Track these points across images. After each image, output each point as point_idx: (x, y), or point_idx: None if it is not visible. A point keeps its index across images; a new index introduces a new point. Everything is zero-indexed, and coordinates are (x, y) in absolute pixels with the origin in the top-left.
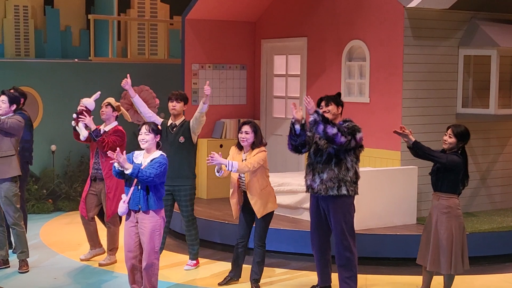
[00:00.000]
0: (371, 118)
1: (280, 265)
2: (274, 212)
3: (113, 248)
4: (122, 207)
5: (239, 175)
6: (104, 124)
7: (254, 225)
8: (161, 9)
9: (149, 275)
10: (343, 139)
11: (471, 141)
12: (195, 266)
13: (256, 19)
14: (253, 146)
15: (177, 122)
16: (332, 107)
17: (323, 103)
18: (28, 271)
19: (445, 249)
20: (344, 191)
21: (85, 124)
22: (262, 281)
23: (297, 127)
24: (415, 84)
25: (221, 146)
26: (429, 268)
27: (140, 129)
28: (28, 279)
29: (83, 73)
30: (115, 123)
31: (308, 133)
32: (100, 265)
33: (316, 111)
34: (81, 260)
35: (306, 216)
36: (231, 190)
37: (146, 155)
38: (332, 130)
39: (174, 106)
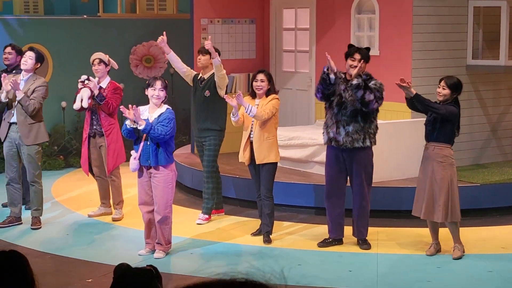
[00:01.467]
0: (381, 71)
1: (291, 218)
2: (284, 166)
3: (119, 201)
4: (133, 164)
5: (251, 124)
6: (97, 80)
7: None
8: None
9: (163, 228)
10: (376, 105)
11: (481, 92)
12: (206, 221)
13: None
14: (267, 94)
15: (206, 76)
16: (363, 64)
17: (356, 56)
18: (40, 227)
19: (441, 198)
20: (368, 143)
21: (89, 90)
22: (274, 234)
23: (332, 76)
24: (425, 37)
25: None
26: (423, 217)
27: (151, 84)
28: (41, 235)
29: (92, 29)
30: (108, 78)
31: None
32: (113, 219)
33: (359, 75)
34: (89, 216)
35: (316, 170)
36: (243, 141)
37: (152, 110)
38: (369, 97)
39: (199, 59)
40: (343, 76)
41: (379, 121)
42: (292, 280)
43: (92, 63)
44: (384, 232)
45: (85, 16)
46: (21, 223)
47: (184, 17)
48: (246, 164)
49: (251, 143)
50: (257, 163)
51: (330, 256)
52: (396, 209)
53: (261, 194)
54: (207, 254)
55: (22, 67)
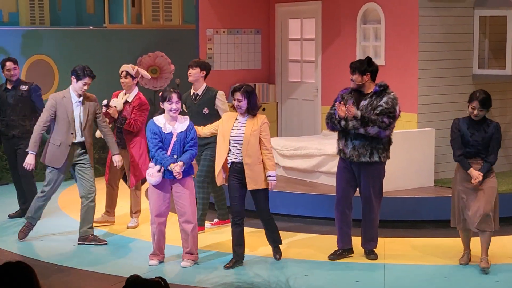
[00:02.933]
0: (387, 80)
1: (297, 228)
2: (291, 176)
3: (137, 211)
4: (156, 177)
5: (231, 142)
6: (124, 92)
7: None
8: None
9: (193, 237)
10: (387, 132)
11: None
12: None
13: None
14: (249, 111)
15: (199, 92)
16: (356, 77)
17: (350, 70)
18: (91, 244)
19: (491, 207)
20: (376, 158)
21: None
22: (291, 247)
23: (343, 123)
24: (431, 46)
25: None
26: (476, 227)
27: (167, 97)
28: (48, 246)
29: (98, 40)
30: (136, 90)
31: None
32: (128, 227)
33: (354, 117)
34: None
35: (322, 180)
36: (221, 162)
37: (172, 123)
38: (373, 130)
39: (189, 73)
40: (353, 88)
41: None
42: None
43: (120, 75)
44: (391, 243)
45: (91, 27)
46: (106, 243)
47: (190, 28)
48: (223, 183)
49: (234, 164)
50: (249, 188)
51: (337, 267)
52: (402, 219)
53: (261, 219)
54: (213, 264)
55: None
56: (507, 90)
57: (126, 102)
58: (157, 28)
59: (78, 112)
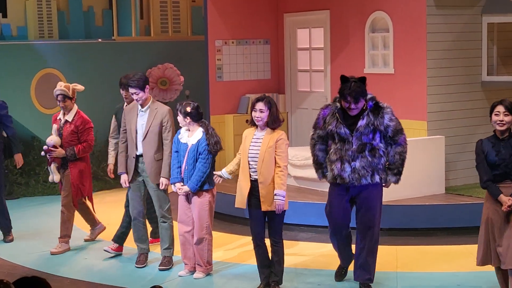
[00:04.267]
0: (396, 89)
1: (308, 238)
2: (302, 186)
3: (65, 235)
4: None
5: (249, 161)
6: (63, 113)
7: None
8: None
9: (199, 249)
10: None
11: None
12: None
13: None
14: (269, 124)
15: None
16: (360, 104)
17: (350, 99)
18: (170, 268)
19: None
20: (377, 179)
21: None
22: (290, 251)
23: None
24: (439, 54)
25: (247, 121)
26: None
27: (182, 110)
28: (59, 260)
29: (107, 53)
30: (75, 108)
31: (320, 132)
32: (52, 253)
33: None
34: (85, 240)
35: None
36: (243, 183)
37: (190, 133)
38: (402, 162)
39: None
40: (338, 106)
41: None
42: None
43: (57, 99)
44: (403, 251)
45: (100, 40)
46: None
47: (199, 39)
48: (242, 207)
49: (252, 182)
50: (263, 209)
51: (350, 275)
52: (414, 227)
53: (270, 240)
54: (227, 275)
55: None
56: None
57: (66, 122)
58: (166, 40)
59: (141, 123)
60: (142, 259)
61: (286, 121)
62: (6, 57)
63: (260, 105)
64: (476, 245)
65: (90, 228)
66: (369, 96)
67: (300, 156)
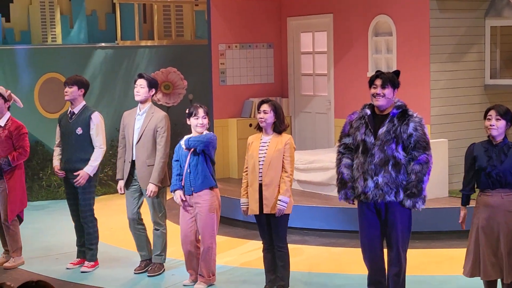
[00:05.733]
0: (399, 92)
1: (313, 241)
2: (306, 190)
3: (17, 248)
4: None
5: (259, 165)
6: None
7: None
8: None
9: (206, 259)
10: (430, 167)
11: None
12: (92, 268)
13: None
14: (275, 127)
15: (76, 110)
16: (388, 91)
17: (378, 82)
18: (160, 274)
19: None
20: (401, 197)
21: None
22: (295, 257)
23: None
24: (443, 57)
25: (250, 125)
26: (506, 280)
27: (194, 113)
28: (60, 265)
29: (111, 56)
30: (8, 114)
31: (347, 140)
32: (5, 268)
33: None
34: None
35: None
36: (253, 189)
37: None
38: (422, 184)
39: (66, 91)
40: (368, 112)
41: None
42: None
43: None
44: (407, 254)
45: (103, 44)
46: (163, 269)
47: (202, 43)
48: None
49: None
50: (265, 212)
51: (354, 279)
52: (417, 230)
53: (275, 245)
54: (232, 281)
55: (136, 98)
56: None
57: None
58: (169, 44)
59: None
60: (141, 265)
61: (289, 125)
62: (10, 62)
63: (264, 107)
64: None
65: (8, 253)
66: (398, 103)
67: (304, 160)
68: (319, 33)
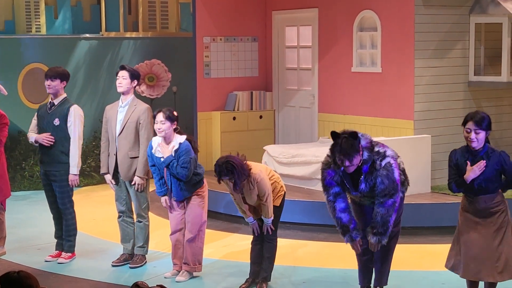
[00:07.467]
0: (383, 87)
1: (295, 235)
2: (288, 184)
3: (0, 238)
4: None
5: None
6: None
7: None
8: None
9: (192, 247)
10: (397, 203)
11: (484, 108)
12: (69, 259)
13: None
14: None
15: (56, 101)
16: (356, 160)
17: (342, 157)
18: (142, 265)
19: (503, 250)
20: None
21: None
22: (283, 255)
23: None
24: (427, 53)
25: (234, 118)
26: (501, 279)
27: (155, 116)
28: (41, 256)
29: (95, 48)
30: None
31: (335, 189)
32: None
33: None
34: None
35: (320, 187)
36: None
37: (165, 145)
38: (390, 218)
39: (49, 84)
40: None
41: (381, 138)
42: None
43: None
44: None
45: (87, 35)
46: (145, 261)
47: (187, 36)
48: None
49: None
50: (258, 217)
51: (334, 273)
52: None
53: (265, 237)
54: (219, 274)
55: (118, 90)
56: (503, 97)
57: None
58: (153, 36)
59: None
60: (120, 259)
61: (273, 119)
62: None
63: (160, 117)
64: None
65: None
66: (365, 157)
67: (287, 154)
68: (304, 28)
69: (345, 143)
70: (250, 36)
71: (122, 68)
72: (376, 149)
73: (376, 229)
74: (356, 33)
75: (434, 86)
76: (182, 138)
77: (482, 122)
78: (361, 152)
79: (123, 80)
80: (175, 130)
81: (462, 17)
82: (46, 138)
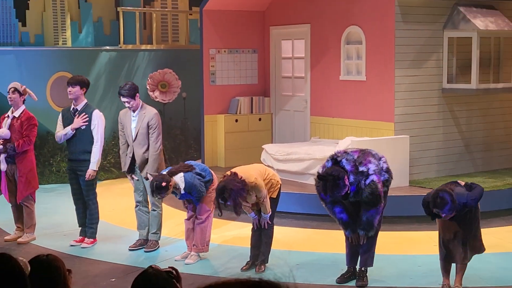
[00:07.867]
0: (367, 94)
1: (289, 223)
2: (283, 178)
3: (31, 225)
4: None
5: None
6: (11, 110)
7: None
8: (181, 1)
9: (201, 228)
10: (380, 207)
11: (456, 112)
12: (92, 244)
13: (265, 8)
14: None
15: (79, 107)
16: (344, 191)
17: (332, 195)
18: (155, 250)
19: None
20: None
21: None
22: (279, 240)
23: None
24: (406, 64)
25: (236, 121)
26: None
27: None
28: (66, 241)
29: (114, 58)
30: (23, 107)
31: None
32: (19, 243)
33: (363, 236)
34: (6, 240)
35: (311, 181)
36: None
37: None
38: (374, 217)
39: (70, 91)
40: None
41: (364, 139)
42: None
43: (8, 92)
44: None
45: (107, 47)
46: (158, 246)
47: (195, 48)
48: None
49: None
50: (258, 209)
51: (325, 256)
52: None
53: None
54: (223, 257)
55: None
56: (473, 102)
57: (14, 117)
58: (166, 48)
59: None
60: (136, 244)
61: (270, 121)
62: (25, 62)
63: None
64: (436, 232)
65: (20, 229)
66: (349, 168)
67: (282, 152)
68: (298, 41)
69: (330, 185)
70: (251, 48)
71: (119, 94)
72: (360, 169)
73: (363, 226)
74: (344, 46)
75: (412, 92)
76: (180, 176)
77: (443, 206)
78: (346, 178)
79: (127, 104)
80: (185, 170)
81: (436, 32)
82: (80, 119)
